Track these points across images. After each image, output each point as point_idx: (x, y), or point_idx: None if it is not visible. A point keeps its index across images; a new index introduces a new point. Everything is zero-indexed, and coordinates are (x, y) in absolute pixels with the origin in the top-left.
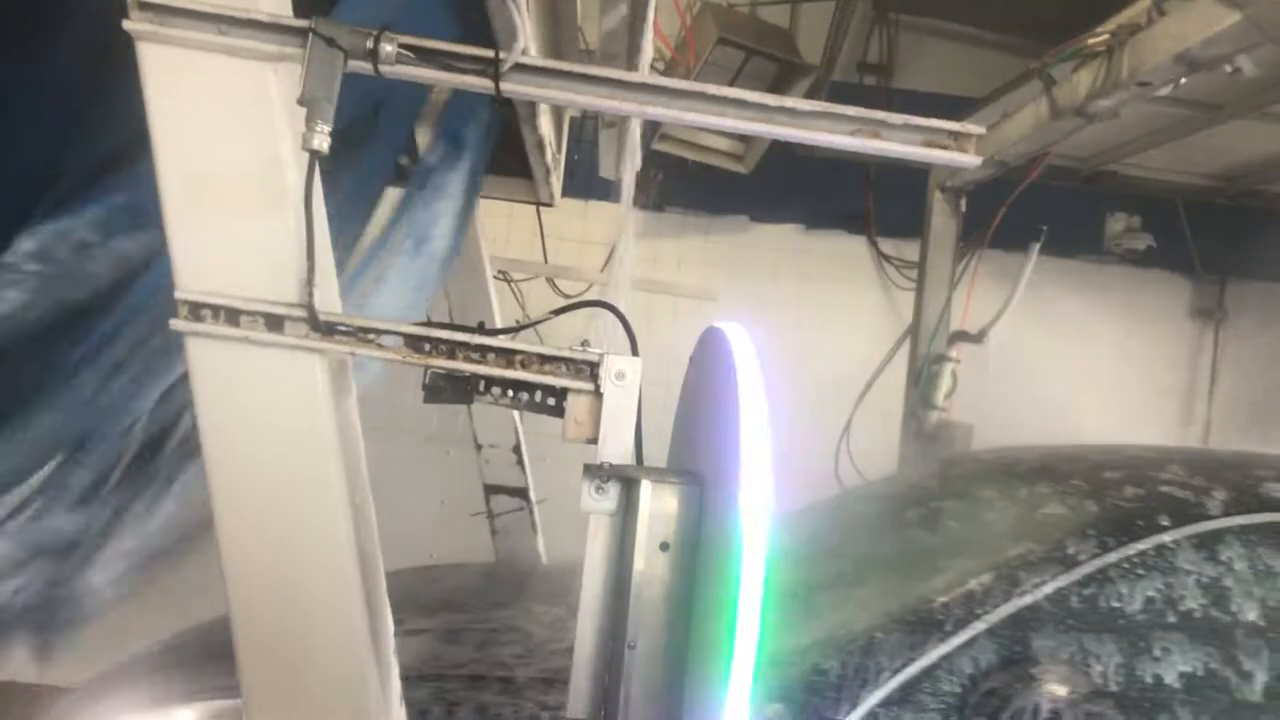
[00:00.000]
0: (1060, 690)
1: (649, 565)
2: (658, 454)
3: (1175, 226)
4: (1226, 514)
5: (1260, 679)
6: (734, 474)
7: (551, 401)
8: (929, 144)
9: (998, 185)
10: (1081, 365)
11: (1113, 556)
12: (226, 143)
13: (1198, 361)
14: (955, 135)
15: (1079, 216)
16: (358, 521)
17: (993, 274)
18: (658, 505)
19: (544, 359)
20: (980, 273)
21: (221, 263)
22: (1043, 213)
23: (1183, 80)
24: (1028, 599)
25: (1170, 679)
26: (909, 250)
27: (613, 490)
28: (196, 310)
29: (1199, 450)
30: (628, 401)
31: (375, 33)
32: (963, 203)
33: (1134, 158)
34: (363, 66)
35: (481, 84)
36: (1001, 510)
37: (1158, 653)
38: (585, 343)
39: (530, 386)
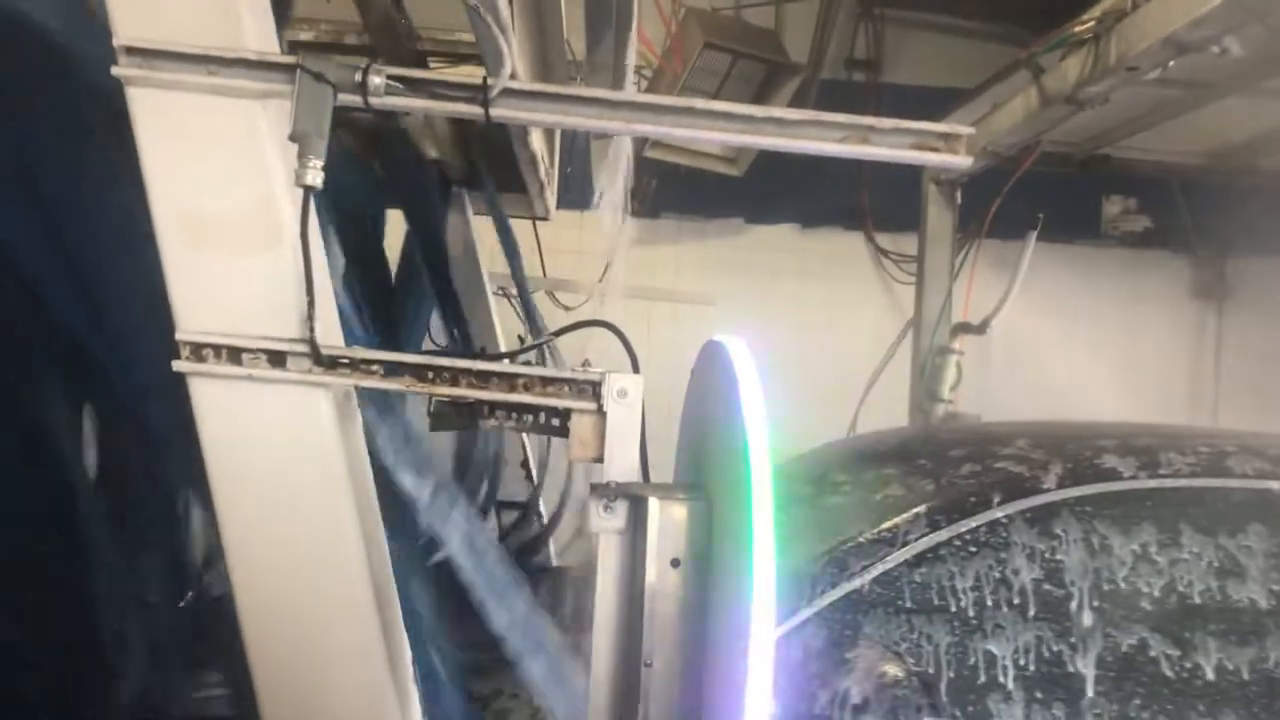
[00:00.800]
0: (871, 675)
1: (661, 582)
2: (663, 461)
3: (1172, 207)
4: (1061, 487)
5: (1094, 653)
6: (740, 490)
7: (556, 422)
8: (919, 147)
9: (993, 174)
10: (1085, 350)
11: (943, 535)
12: (220, 182)
13: (1201, 340)
14: (945, 137)
15: (1075, 202)
16: (370, 552)
17: (992, 264)
18: (666, 522)
19: (546, 381)
20: (979, 263)
21: (221, 302)
22: (1039, 200)
23: (1171, 63)
24: (855, 583)
25: (1002, 657)
26: (907, 244)
27: (621, 508)
28: (198, 350)
29: (1051, 423)
30: (631, 419)
31: (363, 65)
32: (958, 194)
33: (1127, 140)
34: (352, 99)
35: (471, 111)
36: (846, 494)
37: (990, 631)
38: (586, 362)
39: (534, 409)
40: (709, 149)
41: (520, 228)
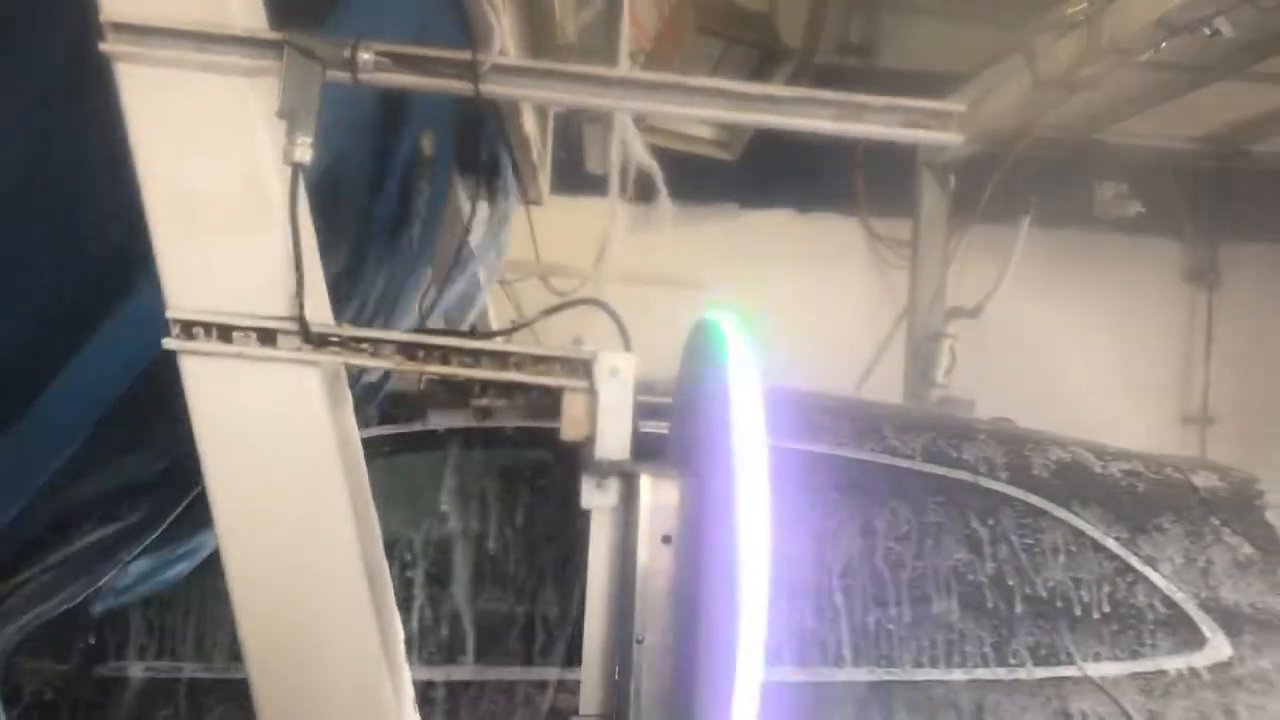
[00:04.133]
0: None
1: (653, 559)
2: None
3: (1164, 191)
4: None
5: None
6: (731, 465)
7: (548, 401)
8: (910, 124)
9: (986, 160)
10: (1078, 334)
11: None
12: (209, 160)
13: (1193, 324)
14: (936, 114)
15: (1068, 187)
16: (361, 530)
17: (985, 248)
18: (658, 499)
19: (537, 360)
20: (973, 247)
21: (211, 280)
22: (1032, 185)
23: (1163, 45)
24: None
25: None
26: (901, 229)
27: (612, 486)
28: (189, 329)
29: None
30: (623, 397)
31: (352, 42)
32: (952, 179)
33: (1120, 125)
34: (340, 76)
35: (461, 87)
36: None
37: None
38: (578, 340)
39: (526, 387)
40: (702, 133)
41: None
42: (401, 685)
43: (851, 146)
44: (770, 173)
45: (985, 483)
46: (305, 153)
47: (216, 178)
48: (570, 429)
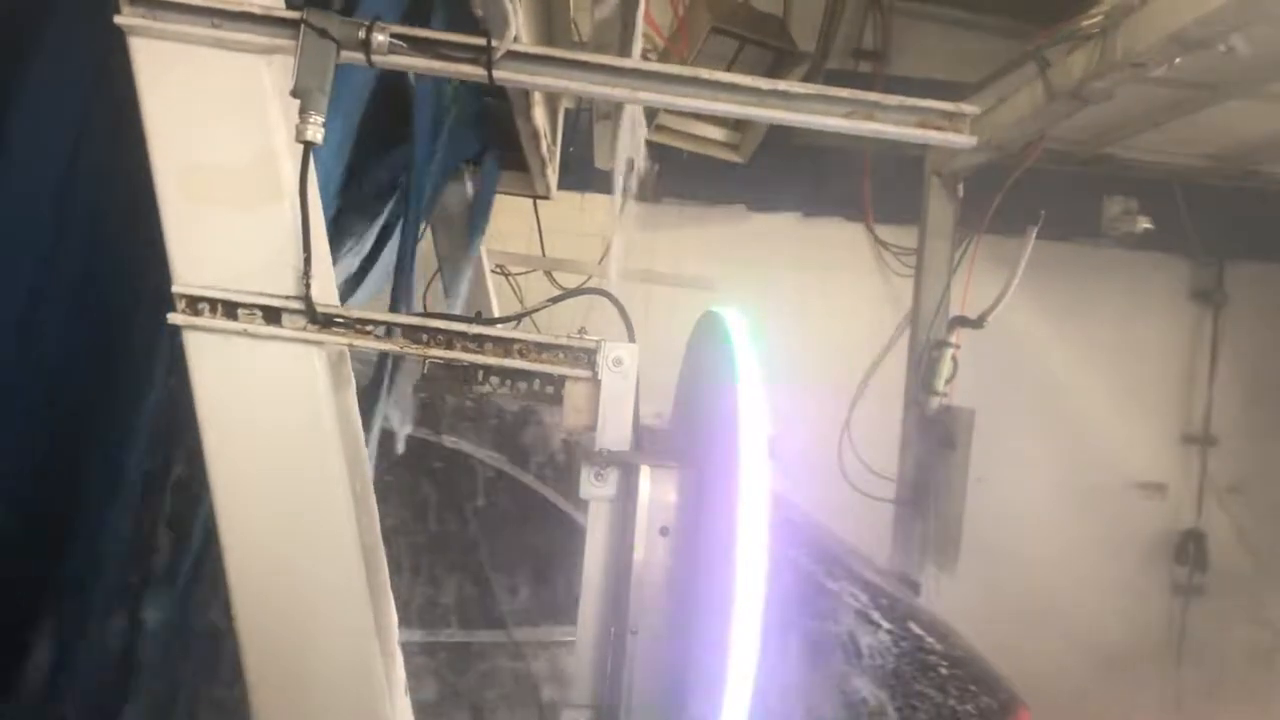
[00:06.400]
0: None
1: (649, 550)
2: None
3: (1172, 208)
4: None
5: None
6: (732, 457)
7: (550, 389)
8: (923, 125)
9: (995, 170)
10: (1081, 348)
11: None
12: (221, 136)
13: (1197, 342)
14: (950, 116)
15: (1076, 200)
16: (359, 511)
17: (991, 259)
18: (657, 490)
19: (541, 347)
20: (978, 258)
21: (218, 256)
22: (1040, 197)
23: (1177, 60)
24: None
25: None
26: (907, 237)
27: (612, 476)
28: (194, 304)
29: None
30: (625, 388)
31: (367, 23)
32: (960, 188)
33: (1130, 140)
34: (355, 57)
35: (474, 72)
36: None
37: None
38: (582, 330)
39: (528, 375)
40: (712, 134)
41: (520, 207)
42: (394, 667)
43: (859, 153)
44: (779, 176)
45: (482, 455)
46: (317, 132)
47: (228, 154)
48: (571, 418)
